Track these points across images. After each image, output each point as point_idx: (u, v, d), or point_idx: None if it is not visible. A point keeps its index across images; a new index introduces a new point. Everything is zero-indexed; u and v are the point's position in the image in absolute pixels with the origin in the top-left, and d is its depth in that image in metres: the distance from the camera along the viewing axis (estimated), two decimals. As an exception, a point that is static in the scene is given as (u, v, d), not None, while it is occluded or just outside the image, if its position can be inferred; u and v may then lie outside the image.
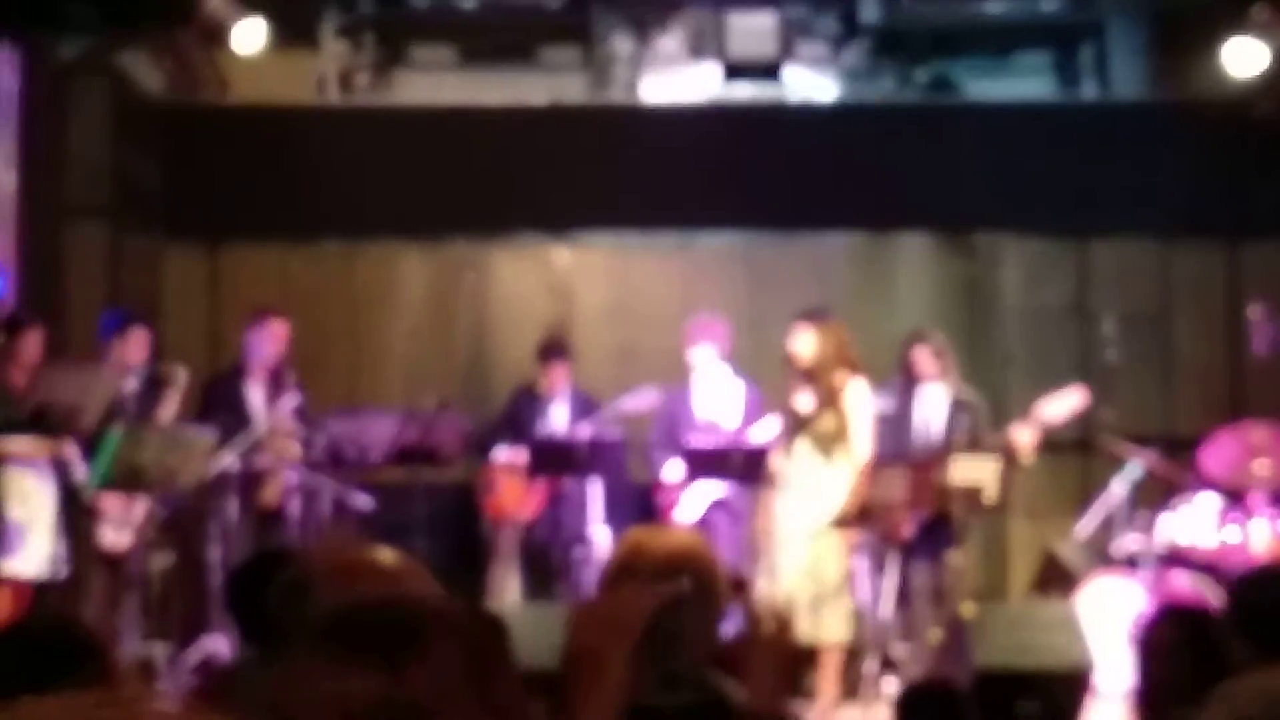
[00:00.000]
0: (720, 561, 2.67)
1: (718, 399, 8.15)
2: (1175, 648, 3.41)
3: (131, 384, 7.55)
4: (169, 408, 7.66)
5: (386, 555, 1.94)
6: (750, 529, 7.93)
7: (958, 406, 7.86)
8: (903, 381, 7.97)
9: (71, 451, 7.11)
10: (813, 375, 7.41)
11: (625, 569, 2.43)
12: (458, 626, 1.70)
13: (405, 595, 1.80)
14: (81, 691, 1.84)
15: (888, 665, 7.35)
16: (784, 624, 7.05)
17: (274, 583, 2.04)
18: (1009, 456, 7.43)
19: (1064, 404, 7.66)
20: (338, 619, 1.71)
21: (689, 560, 2.45)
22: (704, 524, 7.84)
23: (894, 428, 7.88)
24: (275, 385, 8.05)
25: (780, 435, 7.48)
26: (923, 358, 7.85)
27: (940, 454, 7.48)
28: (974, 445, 7.61)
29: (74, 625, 2.56)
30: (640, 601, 2.24)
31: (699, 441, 7.75)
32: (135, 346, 7.65)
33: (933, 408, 7.89)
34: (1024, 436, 7.58)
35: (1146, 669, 3.52)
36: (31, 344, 7.17)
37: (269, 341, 8.10)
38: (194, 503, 7.77)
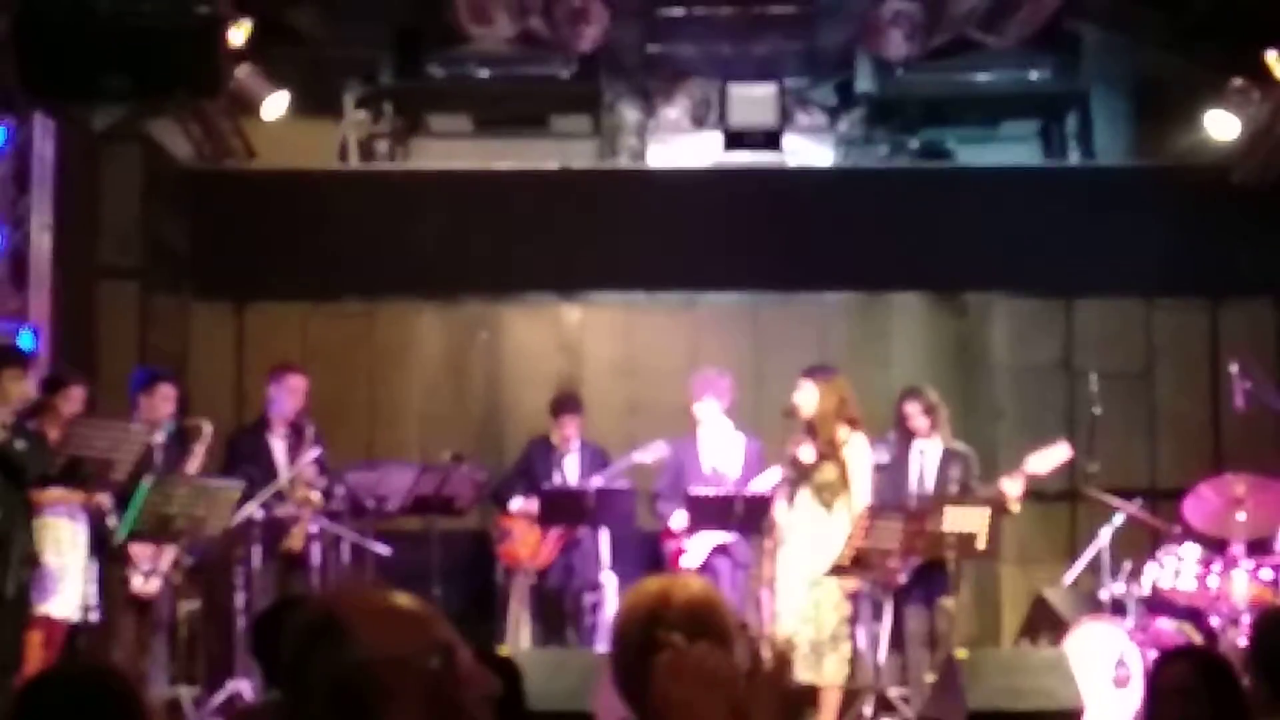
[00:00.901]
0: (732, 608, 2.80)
1: (722, 451, 8.39)
2: (1184, 688, 3.40)
3: (159, 437, 7.73)
4: (195, 461, 7.87)
5: (404, 599, 1.88)
6: (751, 575, 8.19)
7: (949, 458, 8.13)
8: (898, 435, 8.26)
9: (104, 501, 7.33)
10: (814, 428, 7.67)
11: (651, 617, 2.39)
12: (419, 684, 1.69)
13: (365, 657, 1.74)
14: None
15: (884, 707, 7.50)
16: (784, 663, 7.25)
17: (288, 627, 1.99)
18: (998, 506, 7.68)
19: (1050, 458, 7.93)
20: (294, 686, 1.72)
21: (711, 609, 2.47)
22: (707, 570, 8.08)
23: (890, 479, 8.15)
24: (297, 437, 8.27)
25: (783, 485, 7.71)
26: (913, 413, 8.14)
27: (933, 503, 7.71)
28: (965, 495, 7.89)
29: (108, 670, 2.65)
30: (728, 654, 2.29)
31: (702, 491, 7.98)
32: (163, 402, 7.88)
33: (926, 460, 8.18)
34: (1012, 488, 7.85)
35: (1154, 710, 3.53)
36: (73, 400, 7.40)
37: (288, 394, 8.33)
38: (220, 551, 7.99)
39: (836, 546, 7.35)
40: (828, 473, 7.61)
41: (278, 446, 8.31)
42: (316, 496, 8.20)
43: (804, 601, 7.50)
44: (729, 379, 8.44)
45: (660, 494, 8.45)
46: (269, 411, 8.40)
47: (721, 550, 8.17)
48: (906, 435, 8.17)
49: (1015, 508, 7.89)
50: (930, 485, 8.08)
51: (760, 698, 2.39)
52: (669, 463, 8.45)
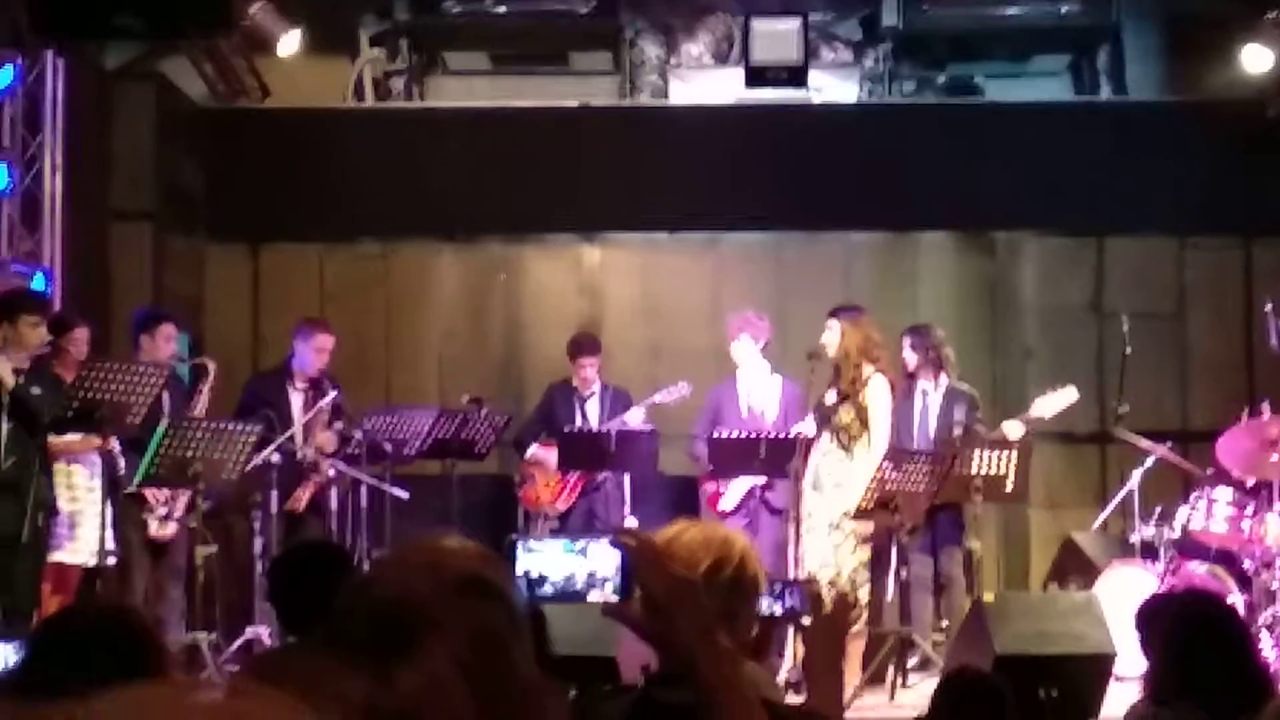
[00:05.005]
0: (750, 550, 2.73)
1: (759, 393, 8.29)
2: (1174, 631, 3.45)
3: (174, 380, 7.63)
4: (201, 401, 7.76)
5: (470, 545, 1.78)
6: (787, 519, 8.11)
7: (952, 399, 8.01)
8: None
9: (113, 444, 7.23)
10: (838, 370, 7.56)
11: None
12: (460, 627, 1.65)
13: (406, 595, 1.68)
14: (157, 681, 1.89)
15: (910, 652, 7.46)
16: (845, 607, 7.19)
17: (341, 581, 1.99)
18: (1002, 448, 7.55)
19: (1056, 401, 7.81)
20: (335, 620, 1.68)
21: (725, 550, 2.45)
22: (742, 513, 8.01)
23: (898, 421, 8.02)
24: (316, 394, 8.15)
25: (814, 427, 7.61)
26: (910, 353, 8.01)
27: (942, 446, 7.59)
28: (967, 436, 7.76)
29: (127, 612, 2.60)
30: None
31: (724, 434, 7.87)
32: (165, 341, 7.73)
33: (929, 401, 8.03)
34: (1014, 430, 7.74)
35: (1144, 651, 3.59)
36: (78, 343, 7.30)
37: (313, 352, 8.16)
38: (236, 495, 7.93)
39: (855, 489, 7.27)
40: (845, 414, 7.51)
41: (295, 400, 8.18)
42: (334, 441, 8.10)
43: (825, 545, 7.41)
44: (766, 320, 8.32)
45: (697, 437, 8.34)
46: (290, 363, 8.25)
47: (758, 494, 8.08)
48: (909, 377, 8.05)
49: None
50: (933, 427, 7.95)
51: (822, 640, 2.33)
52: (707, 405, 8.37)
